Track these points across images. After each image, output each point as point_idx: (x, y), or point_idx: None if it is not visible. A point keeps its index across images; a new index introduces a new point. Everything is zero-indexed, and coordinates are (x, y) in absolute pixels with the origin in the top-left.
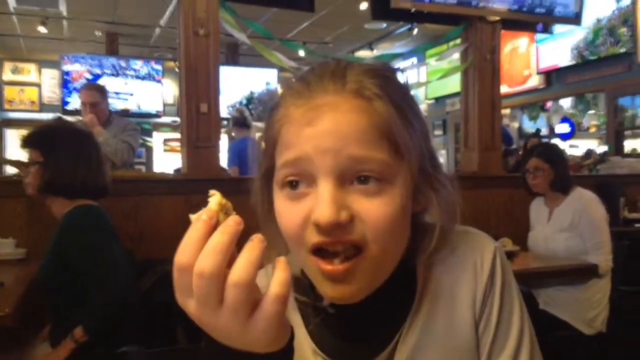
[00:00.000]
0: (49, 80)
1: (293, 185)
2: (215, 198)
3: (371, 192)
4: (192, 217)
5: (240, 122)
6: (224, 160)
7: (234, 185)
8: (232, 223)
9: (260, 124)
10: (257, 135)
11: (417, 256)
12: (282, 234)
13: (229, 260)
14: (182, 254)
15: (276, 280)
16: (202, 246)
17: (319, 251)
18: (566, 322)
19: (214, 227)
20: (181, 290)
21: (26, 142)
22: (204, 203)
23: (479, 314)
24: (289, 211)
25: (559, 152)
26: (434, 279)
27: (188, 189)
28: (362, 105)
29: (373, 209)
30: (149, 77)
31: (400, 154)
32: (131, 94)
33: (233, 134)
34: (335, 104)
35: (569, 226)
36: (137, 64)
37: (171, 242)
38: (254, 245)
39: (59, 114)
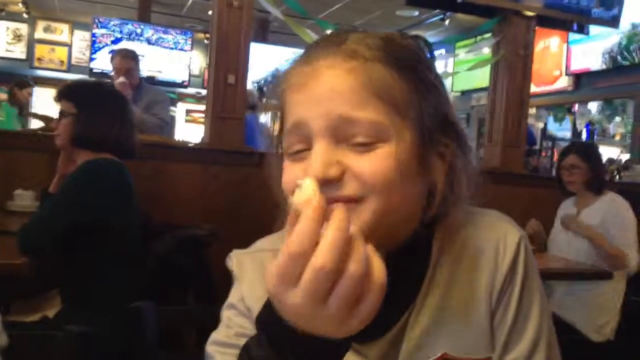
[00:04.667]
0: (79, 41)
1: (298, 153)
2: (311, 184)
3: (364, 150)
4: (295, 201)
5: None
6: None
7: (250, 159)
8: (344, 218)
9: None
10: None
11: (431, 227)
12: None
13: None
14: (298, 244)
15: (378, 268)
16: (316, 236)
17: None
18: (575, 327)
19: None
20: (286, 277)
21: (61, 94)
22: (224, 174)
23: (495, 302)
24: (288, 171)
25: (597, 152)
26: (452, 257)
27: (209, 159)
28: (356, 66)
29: (365, 164)
30: (177, 46)
31: (398, 113)
32: (159, 62)
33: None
34: (329, 66)
35: (596, 228)
36: (167, 33)
37: (188, 209)
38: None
39: (86, 76)
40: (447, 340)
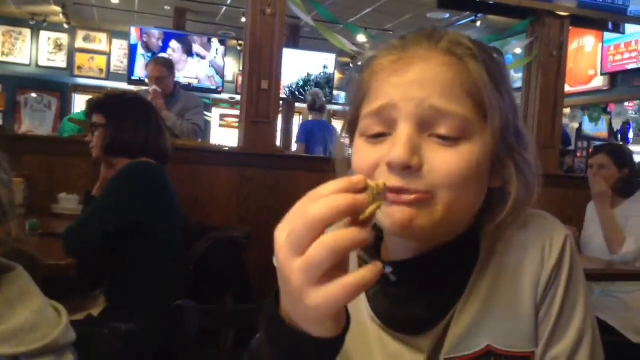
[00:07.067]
0: (118, 50)
1: (377, 137)
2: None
3: (446, 145)
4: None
5: (310, 106)
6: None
7: (282, 162)
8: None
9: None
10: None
11: (484, 225)
12: (353, 174)
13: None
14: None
15: (368, 272)
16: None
17: None
18: (614, 329)
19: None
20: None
21: (92, 108)
22: (258, 177)
23: (541, 297)
24: (365, 152)
25: (630, 156)
26: (499, 254)
27: (243, 161)
28: (453, 61)
29: (446, 159)
30: (211, 53)
31: (483, 115)
32: (194, 70)
33: (310, 117)
34: (425, 57)
35: (623, 227)
36: (202, 40)
37: (223, 211)
38: (363, 234)
39: (125, 83)
40: (491, 334)
